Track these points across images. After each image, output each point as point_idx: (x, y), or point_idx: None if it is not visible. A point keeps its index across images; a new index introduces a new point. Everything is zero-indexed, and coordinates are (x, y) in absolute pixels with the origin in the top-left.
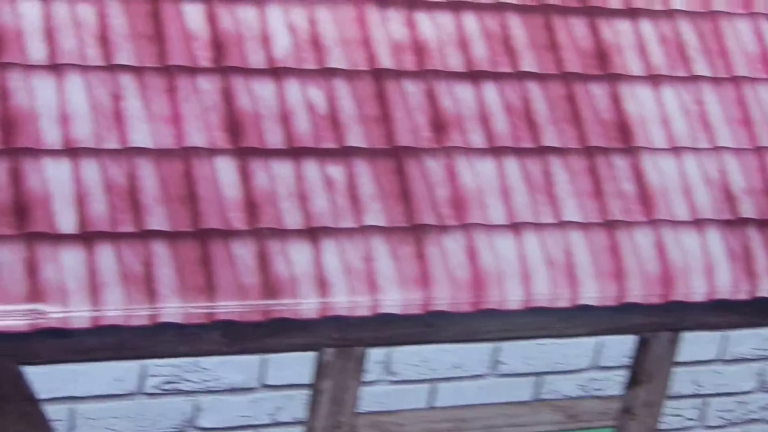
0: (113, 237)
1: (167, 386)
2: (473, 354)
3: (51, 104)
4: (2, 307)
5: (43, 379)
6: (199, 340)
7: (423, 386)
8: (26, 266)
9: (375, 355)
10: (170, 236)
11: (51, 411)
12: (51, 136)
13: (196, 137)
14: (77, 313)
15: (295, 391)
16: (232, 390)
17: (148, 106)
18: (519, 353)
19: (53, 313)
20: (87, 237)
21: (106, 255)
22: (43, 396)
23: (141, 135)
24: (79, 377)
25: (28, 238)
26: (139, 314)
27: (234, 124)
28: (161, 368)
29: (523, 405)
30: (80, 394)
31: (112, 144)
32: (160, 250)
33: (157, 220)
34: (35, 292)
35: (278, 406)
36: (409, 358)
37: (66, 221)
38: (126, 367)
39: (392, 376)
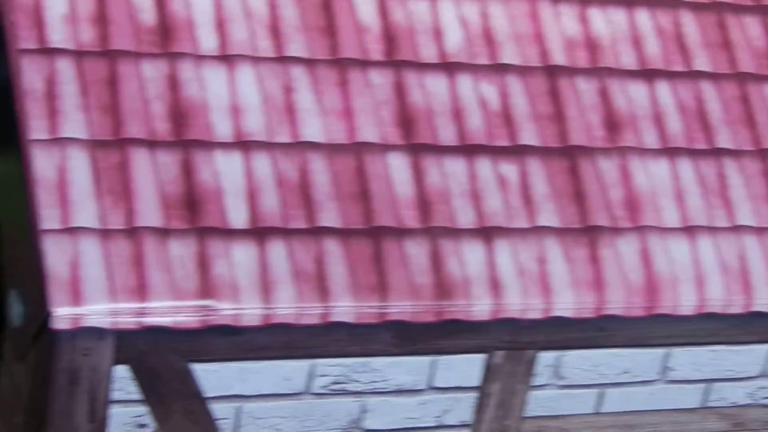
0: (285, 233)
1: (335, 386)
2: (643, 359)
3: (222, 96)
4: (173, 303)
5: (212, 377)
6: (369, 340)
7: (591, 391)
8: (198, 262)
9: (545, 358)
10: (343, 234)
11: (217, 409)
12: (222, 129)
13: (368, 132)
14: (249, 311)
15: (463, 394)
16: (400, 392)
17: (319, 99)
18: (689, 359)
19: (224, 311)
20: (259, 233)
21: (277, 251)
22: (210, 394)
23: (313, 129)
24: (248, 376)
25: (200, 232)
26: (310, 313)
27: (406, 119)
28: (330, 368)
29: (690, 412)
30: (248, 392)
31: (284, 138)
32: (333, 248)
33: (329, 217)
34: (206, 289)
35: (445, 409)
36: (580, 362)
37: (238, 216)
38: (295, 367)
39: (561, 380)
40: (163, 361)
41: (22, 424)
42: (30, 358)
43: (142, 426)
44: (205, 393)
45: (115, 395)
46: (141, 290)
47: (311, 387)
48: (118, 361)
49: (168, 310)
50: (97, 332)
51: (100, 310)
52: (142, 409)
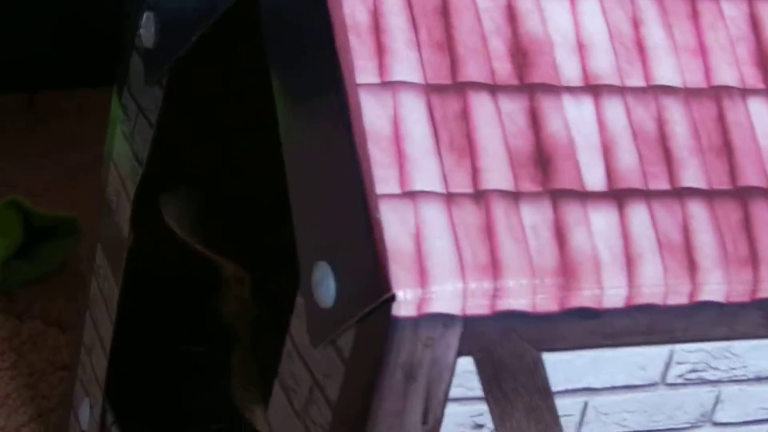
0: (646, 195)
1: (691, 375)
2: None
3: (565, 30)
4: (530, 282)
5: (562, 368)
6: (736, 321)
7: None
8: (554, 231)
9: None
10: (707, 195)
11: (561, 406)
12: (569, 70)
13: (725, 74)
14: (612, 290)
15: None
16: (759, 379)
17: (670, 34)
18: None
19: (584, 290)
20: (617, 195)
21: (639, 218)
22: (557, 388)
23: (666, 70)
24: (601, 365)
25: (554, 196)
26: (677, 291)
27: (766, 58)
28: (690, 354)
29: None
30: (598, 385)
31: (636, 81)
32: (697, 212)
33: (691, 175)
34: (565, 264)
35: None
36: None
37: (593, 175)
38: (652, 354)
39: None
40: (512, 352)
41: (330, 425)
42: (342, 348)
43: (479, 426)
44: (552, 387)
45: (454, 392)
46: (493, 267)
47: (666, 377)
48: (461, 353)
49: (524, 291)
50: (445, 319)
51: (449, 292)
52: (481, 407)
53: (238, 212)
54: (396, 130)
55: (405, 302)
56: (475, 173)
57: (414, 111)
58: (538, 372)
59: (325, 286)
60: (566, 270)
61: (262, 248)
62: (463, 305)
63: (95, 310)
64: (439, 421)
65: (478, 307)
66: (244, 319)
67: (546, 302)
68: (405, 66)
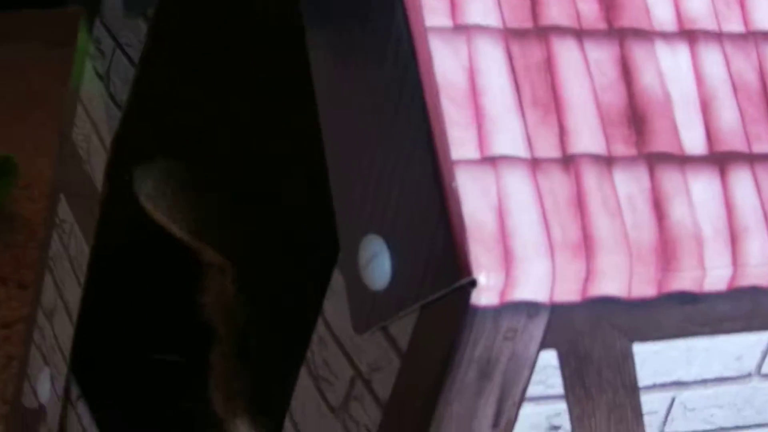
0: (750, 160)
1: None
2: None
3: None
4: (624, 261)
5: (652, 360)
6: None
7: None
8: (652, 202)
9: None
10: None
11: (646, 402)
12: (661, 12)
13: None
14: (714, 271)
15: None
16: None
17: None
18: None
19: (685, 271)
20: (718, 160)
21: (743, 186)
22: (644, 383)
23: (765, 14)
24: (694, 357)
25: (650, 160)
26: None
27: None
28: None
29: None
30: (689, 378)
31: (734, 26)
32: None
33: None
34: (663, 242)
35: None
36: None
37: (692, 137)
38: (750, 342)
39: None
40: (601, 343)
41: (379, 427)
42: (396, 337)
43: (555, 428)
44: (638, 382)
45: (531, 390)
46: (586, 245)
47: (763, 367)
48: (544, 345)
49: (620, 273)
50: (530, 307)
51: (537, 276)
52: (559, 406)
53: (221, 190)
54: (472, 83)
55: (487, 288)
56: (562, 134)
57: (492, 60)
58: (626, 365)
59: (377, 264)
60: (666, 248)
61: (248, 233)
62: (551, 291)
63: (57, 269)
64: (511, 424)
65: (568, 292)
66: (226, 315)
67: (642, 286)
68: (480, 6)
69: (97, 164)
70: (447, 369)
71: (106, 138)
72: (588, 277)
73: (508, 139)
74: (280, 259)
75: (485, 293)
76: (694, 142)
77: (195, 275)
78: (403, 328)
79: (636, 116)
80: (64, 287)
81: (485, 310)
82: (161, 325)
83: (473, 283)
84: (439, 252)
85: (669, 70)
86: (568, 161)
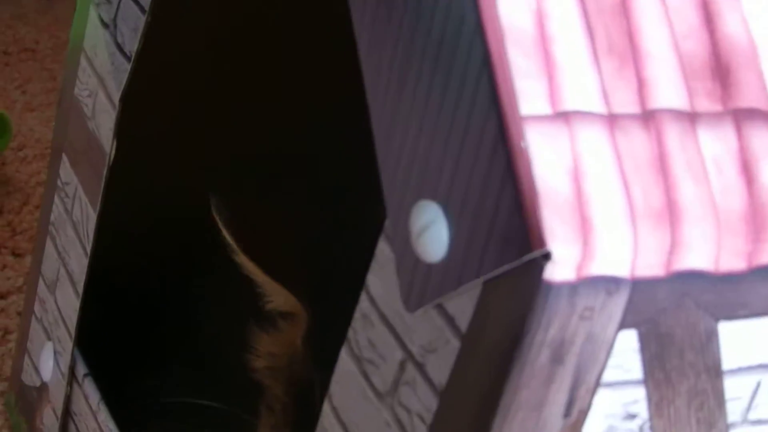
0: None
1: None
2: None
3: None
4: (712, 231)
5: (736, 341)
6: None
7: None
8: (740, 165)
9: None
10: None
11: (730, 386)
12: None
13: None
14: None
15: None
16: None
17: None
18: None
19: None
20: None
21: None
22: (728, 367)
23: None
24: None
25: (737, 118)
26: None
27: None
28: None
29: None
30: None
31: None
32: None
33: None
34: (754, 208)
35: None
36: None
37: None
38: None
39: None
40: (684, 322)
41: (435, 415)
42: (455, 316)
43: (632, 417)
44: (723, 366)
45: (607, 375)
46: (669, 213)
47: None
48: (623, 326)
49: (707, 244)
50: (609, 283)
51: (618, 248)
52: (637, 393)
53: (294, 223)
54: (541, 28)
55: (562, 262)
56: (641, 87)
57: (562, 2)
58: (710, 347)
59: (432, 234)
60: (756, 216)
61: (327, 277)
62: (632, 265)
63: (60, 236)
64: (585, 413)
65: (651, 266)
66: (287, 376)
67: (731, 259)
68: None
69: (103, 122)
70: (516, 352)
71: (113, 93)
72: (672, 249)
73: (582, 92)
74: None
75: (561, 267)
76: None
77: (212, 245)
78: (462, 305)
79: (720, 67)
80: (68, 256)
81: (560, 286)
82: (175, 294)
83: (547, 256)
84: (506, 220)
85: (755, 15)
86: (648, 117)
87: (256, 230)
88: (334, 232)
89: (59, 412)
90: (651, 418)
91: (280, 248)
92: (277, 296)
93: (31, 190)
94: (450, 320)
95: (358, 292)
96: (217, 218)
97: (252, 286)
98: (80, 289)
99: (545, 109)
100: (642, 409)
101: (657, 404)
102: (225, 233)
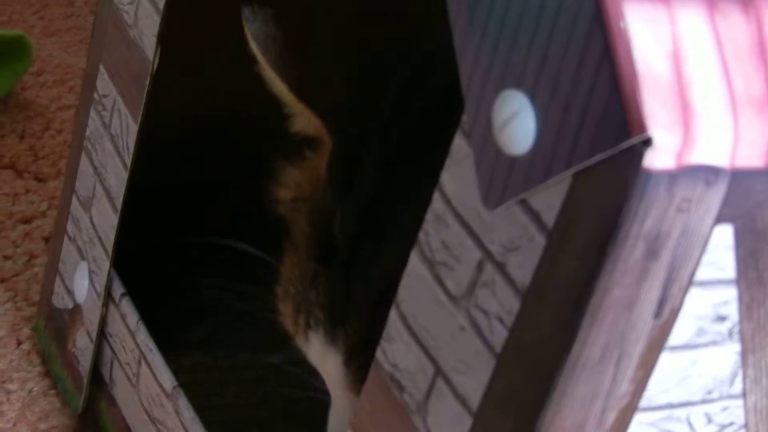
0: None
1: None
2: None
3: None
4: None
5: None
6: None
7: None
8: None
9: None
10: None
11: None
12: None
13: None
14: None
15: None
16: None
17: None
18: None
19: None
20: None
21: None
22: None
23: None
24: None
25: None
26: None
27: None
28: None
29: None
30: None
31: None
32: None
33: None
34: None
35: None
36: None
37: None
38: None
39: None
40: None
41: (516, 316)
42: (541, 211)
43: (722, 319)
44: None
45: (700, 273)
46: None
47: None
48: (719, 220)
49: None
50: (708, 173)
51: (719, 136)
52: (729, 293)
53: (333, 56)
54: None
55: (663, 149)
56: None
57: None
58: None
59: (518, 124)
60: None
61: (356, 104)
62: (732, 154)
63: (97, 151)
64: (675, 313)
65: (751, 156)
66: (310, 207)
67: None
68: None
69: (147, 28)
70: (610, 246)
71: None
72: None
73: None
74: (387, 146)
75: (661, 155)
76: None
77: (264, 159)
78: (549, 199)
79: None
80: (106, 171)
81: (660, 174)
82: (220, 214)
83: (647, 142)
84: (602, 106)
85: None
86: (748, 2)
87: (286, 48)
88: (362, 64)
89: (94, 335)
90: (741, 321)
91: (308, 70)
92: (303, 118)
93: (51, 114)
94: (535, 216)
95: (382, 119)
96: (247, 28)
97: (279, 107)
98: (119, 205)
99: None
100: (732, 311)
101: (748, 306)
102: (252, 44)
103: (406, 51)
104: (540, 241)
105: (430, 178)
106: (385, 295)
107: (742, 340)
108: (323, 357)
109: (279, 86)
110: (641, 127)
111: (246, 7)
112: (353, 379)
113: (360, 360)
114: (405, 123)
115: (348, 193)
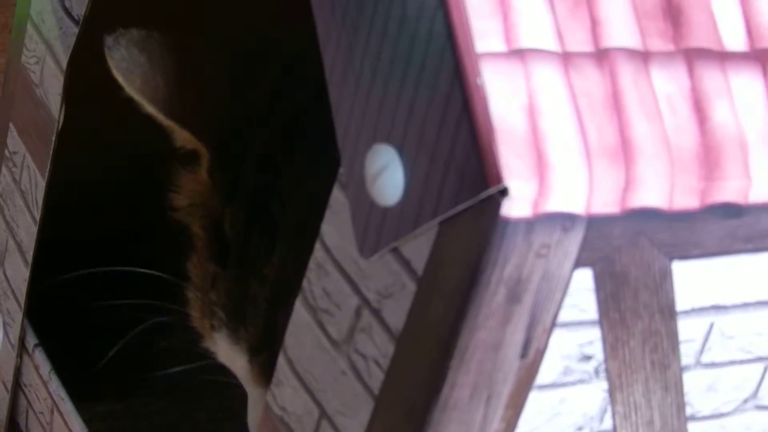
0: None
1: None
2: None
3: None
4: (665, 169)
5: (689, 281)
6: None
7: None
8: (692, 104)
9: None
10: None
11: (683, 328)
12: None
13: None
14: (761, 181)
15: None
16: None
17: None
18: None
19: (730, 180)
20: (760, 57)
21: None
22: (680, 307)
23: None
24: (735, 277)
25: (688, 57)
26: None
27: None
28: None
29: None
30: (729, 302)
31: None
32: None
33: None
34: (706, 147)
35: None
36: None
37: (732, 31)
38: None
39: None
40: (639, 261)
41: (392, 360)
42: (411, 259)
43: (587, 358)
44: (676, 306)
45: (563, 315)
46: (624, 150)
47: None
48: (578, 264)
49: (662, 181)
50: (565, 220)
51: (574, 185)
52: (593, 333)
53: (200, 68)
54: None
55: (519, 198)
56: (594, 26)
57: None
58: (664, 287)
59: (388, 177)
60: (709, 154)
61: (226, 116)
62: (588, 202)
63: (8, 207)
64: (541, 353)
65: (606, 203)
66: (202, 212)
67: (684, 197)
68: None
69: (51, 88)
70: (473, 291)
71: (62, 59)
72: (627, 186)
73: (536, 30)
74: (262, 144)
75: (517, 204)
76: (734, 37)
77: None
78: (418, 248)
79: (671, 7)
80: (17, 226)
81: (517, 222)
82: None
83: (503, 192)
84: (462, 159)
85: None
86: (601, 56)
87: (151, 69)
88: (227, 80)
89: (9, 385)
90: (606, 360)
91: (173, 88)
92: (177, 135)
93: None
94: (406, 264)
95: (254, 119)
96: (109, 58)
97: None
98: (29, 259)
99: (500, 47)
100: (597, 351)
101: (612, 345)
102: (116, 74)
103: (273, 51)
104: (411, 287)
105: (309, 167)
106: (279, 291)
107: (609, 378)
108: (230, 357)
109: (149, 109)
110: (498, 178)
111: (108, 36)
112: (259, 374)
113: (262, 356)
114: (278, 118)
115: (234, 193)
